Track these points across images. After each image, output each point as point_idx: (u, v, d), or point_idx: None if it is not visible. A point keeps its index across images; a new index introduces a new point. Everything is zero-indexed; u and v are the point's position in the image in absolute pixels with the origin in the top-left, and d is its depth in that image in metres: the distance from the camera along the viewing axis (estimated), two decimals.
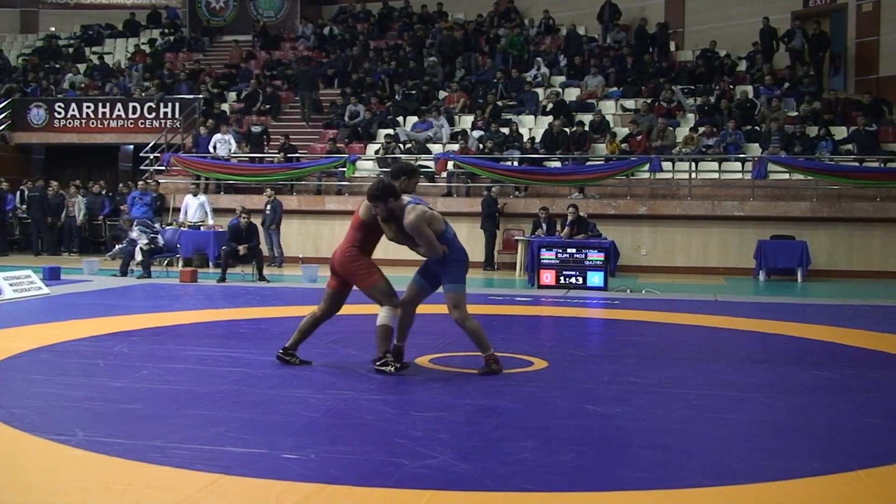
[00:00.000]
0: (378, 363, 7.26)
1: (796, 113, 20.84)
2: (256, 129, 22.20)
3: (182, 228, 18.46)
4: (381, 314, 7.29)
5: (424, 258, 7.33)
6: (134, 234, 16.61)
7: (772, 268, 17.61)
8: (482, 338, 7.31)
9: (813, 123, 20.11)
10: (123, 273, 16.23)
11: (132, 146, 25.25)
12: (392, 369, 7.21)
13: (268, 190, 19.19)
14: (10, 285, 12.55)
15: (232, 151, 21.32)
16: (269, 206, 18.81)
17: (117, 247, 18.65)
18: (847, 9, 24.25)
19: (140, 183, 19.88)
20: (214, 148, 21.28)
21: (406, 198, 7.21)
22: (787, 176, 19.08)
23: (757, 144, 19.67)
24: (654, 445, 5.37)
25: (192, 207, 19.07)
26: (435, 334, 8.93)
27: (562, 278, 15.23)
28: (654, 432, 5.68)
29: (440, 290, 7.35)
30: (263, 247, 17.84)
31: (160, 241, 16.70)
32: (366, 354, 7.40)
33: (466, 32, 26.50)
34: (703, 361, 8.32)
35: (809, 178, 18.71)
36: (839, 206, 18.31)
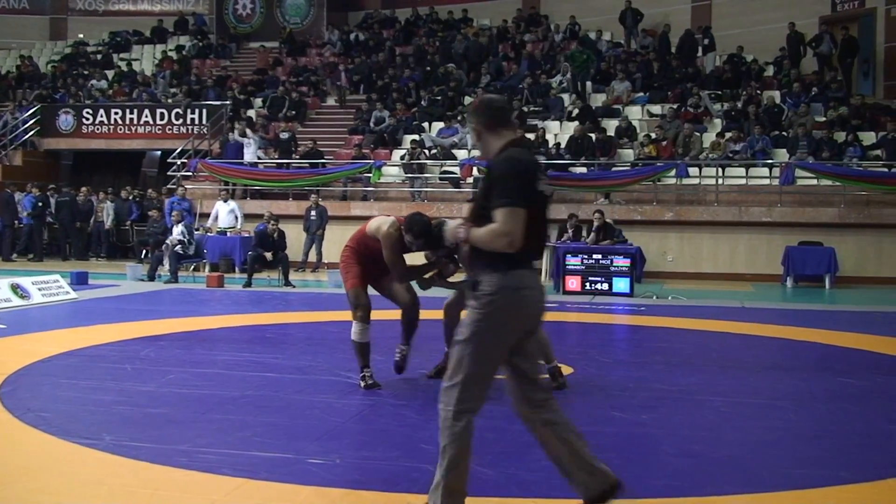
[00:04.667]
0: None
1: (824, 118, 20.70)
2: (284, 135, 22.29)
3: (209, 234, 18.57)
4: (352, 328, 7.19)
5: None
6: (176, 230, 16.84)
7: (799, 274, 17.50)
8: (548, 349, 6.99)
9: (841, 129, 19.96)
10: (152, 278, 16.36)
11: (159, 152, 25.42)
12: (363, 384, 7.06)
13: (313, 196, 19.31)
14: (39, 290, 12.66)
15: (254, 155, 21.42)
16: (314, 212, 18.93)
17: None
18: (876, 14, 24.07)
19: (179, 189, 20.00)
20: (242, 151, 21.41)
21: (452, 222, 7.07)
22: (814, 182, 18.93)
23: (784, 150, 19.53)
24: (681, 453, 5.35)
25: (223, 213, 19.15)
26: None
27: (587, 284, 15.19)
28: (680, 439, 5.65)
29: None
30: (300, 252, 18.44)
31: (191, 250, 16.85)
32: (390, 360, 7.40)
33: (492, 38, 26.51)
34: (731, 368, 8.27)
35: (837, 183, 18.56)
36: (867, 212, 18.15)
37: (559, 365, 7.17)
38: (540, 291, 4.07)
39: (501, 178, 3.93)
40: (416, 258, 7.25)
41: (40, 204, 21.29)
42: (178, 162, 21.88)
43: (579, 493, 4.10)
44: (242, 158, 21.46)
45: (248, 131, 21.86)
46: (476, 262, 4.03)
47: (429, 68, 25.36)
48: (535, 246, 4.03)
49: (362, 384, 7.04)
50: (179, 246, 16.58)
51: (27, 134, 25.22)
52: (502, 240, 3.85)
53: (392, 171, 21.19)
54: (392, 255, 6.90)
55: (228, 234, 18.77)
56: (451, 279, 7.22)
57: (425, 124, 22.67)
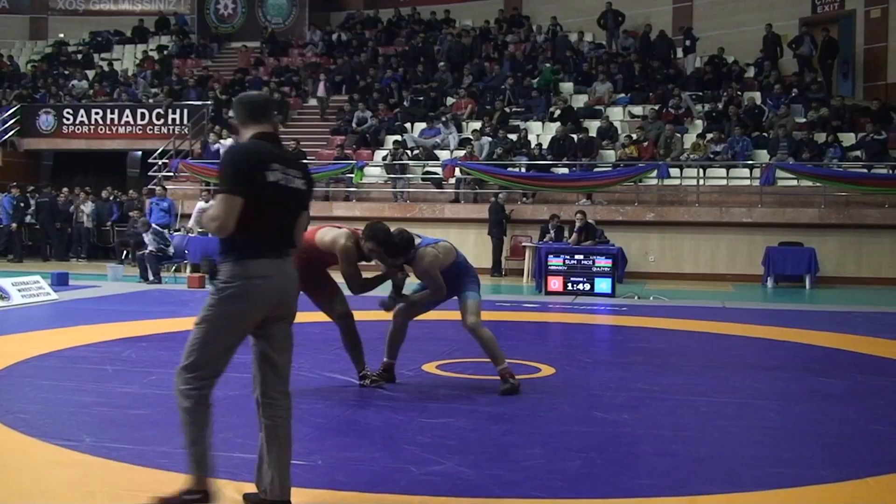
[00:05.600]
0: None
1: (804, 119, 20.81)
2: None
3: (190, 234, 18.50)
4: None
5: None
6: (147, 238, 16.72)
7: (780, 274, 17.59)
8: (496, 349, 7.03)
9: (821, 130, 20.07)
10: (145, 279, 16.22)
11: (140, 152, 25.31)
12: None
13: None
14: (19, 291, 12.58)
15: None
16: None
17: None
18: (855, 15, 24.21)
19: (158, 189, 19.91)
20: (218, 153, 21.36)
21: (416, 238, 6.99)
22: (795, 182, 19.05)
23: (765, 151, 19.63)
24: (663, 452, 5.36)
25: None
26: (443, 340, 8.92)
27: (569, 285, 15.23)
28: (662, 439, 5.67)
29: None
30: None
31: (170, 251, 16.77)
32: (373, 360, 7.38)
33: (474, 39, 26.53)
34: (712, 368, 8.30)
35: (818, 184, 18.67)
36: (847, 212, 18.27)
37: (509, 368, 7.05)
38: (280, 280, 4.20)
39: (223, 166, 4.15)
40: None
41: (22, 205, 21.17)
42: (160, 162, 21.80)
43: (258, 486, 4.32)
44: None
45: (223, 133, 21.79)
46: (219, 252, 4.21)
47: (421, 69, 25.37)
48: (274, 236, 4.19)
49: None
50: (153, 248, 16.49)
51: (7, 134, 25.06)
52: (213, 224, 4.07)
53: (374, 172, 21.18)
54: (351, 268, 6.84)
55: (209, 234, 18.70)
56: (406, 293, 7.15)
57: (407, 125, 22.66)
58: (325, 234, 6.87)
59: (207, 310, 4.16)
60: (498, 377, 7.01)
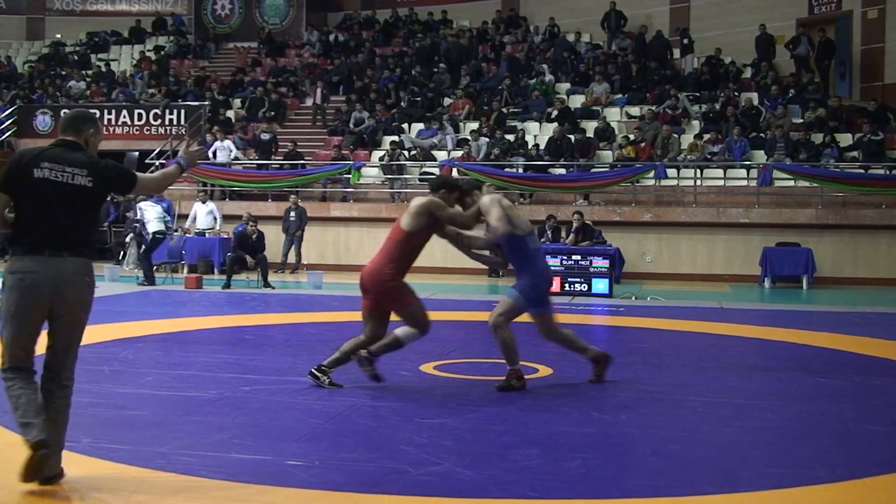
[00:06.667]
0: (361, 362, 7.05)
1: (801, 120, 20.83)
2: (265, 136, 22.21)
3: (188, 235, 18.48)
4: (405, 329, 6.96)
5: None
6: (150, 227, 16.68)
7: (777, 275, 17.59)
8: (512, 351, 7.04)
9: (818, 130, 20.08)
10: (151, 281, 16.06)
11: (138, 153, 25.27)
12: (367, 373, 7.01)
13: (292, 197, 19.23)
14: None
15: (231, 158, 21.35)
16: (294, 213, 18.81)
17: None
18: (852, 16, 24.21)
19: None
20: (214, 155, 21.32)
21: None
22: (792, 183, 19.05)
23: (762, 151, 19.64)
24: (659, 453, 5.37)
25: (201, 214, 19.00)
26: (439, 341, 8.92)
27: (567, 285, 15.22)
28: (659, 439, 5.68)
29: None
30: (280, 253, 18.48)
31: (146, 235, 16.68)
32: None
33: (471, 39, 26.53)
34: (708, 369, 8.31)
35: (815, 185, 18.68)
36: (844, 213, 18.28)
37: (520, 370, 7.14)
38: (49, 275, 4.41)
39: None
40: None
41: None
42: (157, 163, 21.78)
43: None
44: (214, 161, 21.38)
45: (220, 134, 21.78)
46: None
47: (419, 69, 25.37)
48: (42, 233, 4.42)
49: (364, 375, 7.02)
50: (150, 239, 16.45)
51: (4, 135, 25.01)
52: None
53: (371, 172, 21.17)
54: (449, 212, 6.97)
55: (207, 235, 18.70)
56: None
57: (405, 125, 22.66)
58: (404, 217, 6.98)
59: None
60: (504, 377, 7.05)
